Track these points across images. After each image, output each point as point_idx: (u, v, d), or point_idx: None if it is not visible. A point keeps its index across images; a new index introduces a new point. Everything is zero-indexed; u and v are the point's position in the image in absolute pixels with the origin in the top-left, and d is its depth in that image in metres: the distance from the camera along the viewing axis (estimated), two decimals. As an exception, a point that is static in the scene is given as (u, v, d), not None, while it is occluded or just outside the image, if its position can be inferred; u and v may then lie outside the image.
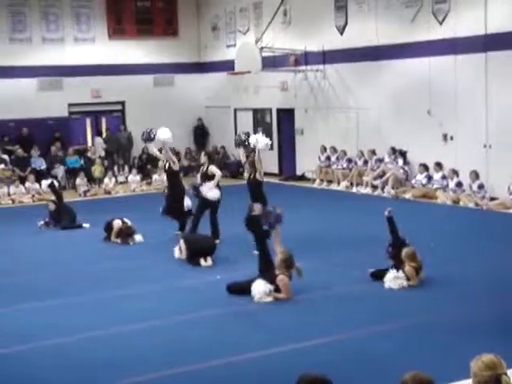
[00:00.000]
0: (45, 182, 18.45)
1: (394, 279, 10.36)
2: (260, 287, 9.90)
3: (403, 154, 19.29)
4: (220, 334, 8.66)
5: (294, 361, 7.57)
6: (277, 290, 9.96)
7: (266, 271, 10.15)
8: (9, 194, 20.68)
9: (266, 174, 23.78)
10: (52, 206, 15.93)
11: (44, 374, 7.63)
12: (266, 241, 10.84)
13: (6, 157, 22.68)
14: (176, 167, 14.00)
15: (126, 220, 14.23)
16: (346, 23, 20.88)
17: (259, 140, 12.81)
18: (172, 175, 14.05)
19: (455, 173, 17.81)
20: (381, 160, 19.86)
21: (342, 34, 21.03)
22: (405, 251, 10.59)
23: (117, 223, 14.08)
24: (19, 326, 9.25)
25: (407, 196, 18.32)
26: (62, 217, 15.74)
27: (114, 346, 8.39)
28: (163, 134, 13.76)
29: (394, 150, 19.45)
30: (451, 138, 18.32)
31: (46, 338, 8.67)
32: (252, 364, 7.68)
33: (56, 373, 7.65)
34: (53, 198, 16.24)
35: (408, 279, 10.39)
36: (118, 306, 9.95)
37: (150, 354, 8.03)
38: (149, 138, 13.93)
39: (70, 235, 15.07)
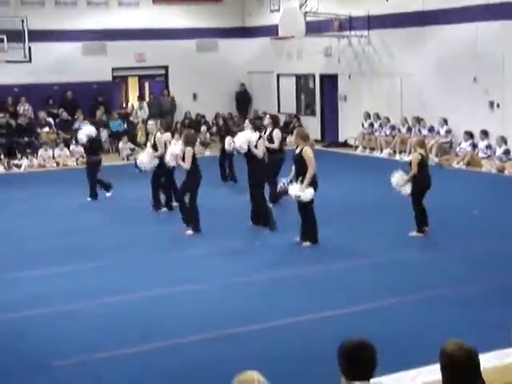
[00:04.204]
0: None
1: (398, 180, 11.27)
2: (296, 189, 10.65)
3: (446, 122, 19.12)
4: (266, 299, 8.76)
5: (330, 328, 7.63)
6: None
7: None
8: (53, 157, 20.96)
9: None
10: None
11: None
12: None
13: (50, 120, 22.98)
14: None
15: None
16: (392, -12, 20.54)
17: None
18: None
19: (504, 140, 17.48)
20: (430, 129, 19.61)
21: (387, -1, 20.70)
22: (415, 139, 11.78)
23: None
24: (79, 285, 9.45)
25: (453, 164, 18.09)
26: None
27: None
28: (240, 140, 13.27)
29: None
30: (498, 106, 18.01)
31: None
32: (292, 328, 7.76)
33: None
34: None
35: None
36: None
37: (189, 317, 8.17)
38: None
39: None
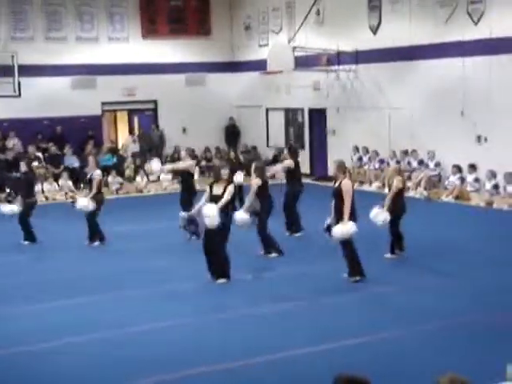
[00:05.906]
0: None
1: (376, 215, 11.42)
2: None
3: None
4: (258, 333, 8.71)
5: (332, 360, 7.59)
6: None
7: None
8: (42, 191, 20.89)
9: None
10: None
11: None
12: None
13: (39, 154, 22.96)
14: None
15: None
16: (379, 23, 20.78)
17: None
18: None
19: (493, 174, 17.59)
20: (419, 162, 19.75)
21: (375, 33, 20.94)
22: (391, 167, 11.76)
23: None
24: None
25: (442, 198, 18.18)
26: None
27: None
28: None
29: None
30: (485, 140, 18.15)
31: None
32: (289, 363, 7.70)
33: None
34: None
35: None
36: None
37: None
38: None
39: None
